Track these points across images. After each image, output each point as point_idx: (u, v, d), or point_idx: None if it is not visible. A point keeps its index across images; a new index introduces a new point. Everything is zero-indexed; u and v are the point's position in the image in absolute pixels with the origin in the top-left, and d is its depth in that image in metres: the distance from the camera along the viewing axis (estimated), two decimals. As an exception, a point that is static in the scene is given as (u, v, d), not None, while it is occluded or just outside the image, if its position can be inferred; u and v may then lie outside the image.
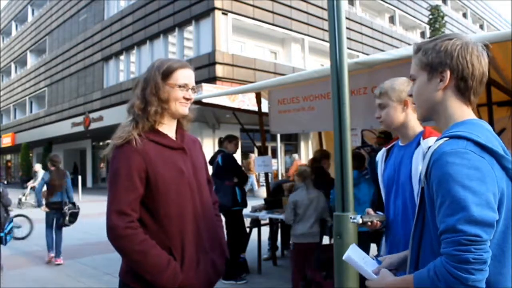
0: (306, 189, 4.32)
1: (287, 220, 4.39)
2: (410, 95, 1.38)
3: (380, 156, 2.12)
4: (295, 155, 16.21)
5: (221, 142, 5.67)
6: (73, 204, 6.52)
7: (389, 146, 2.09)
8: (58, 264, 6.27)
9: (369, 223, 1.86)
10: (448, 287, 1.06)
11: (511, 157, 1.17)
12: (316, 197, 4.30)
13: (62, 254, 6.52)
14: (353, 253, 1.44)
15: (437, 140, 1.23)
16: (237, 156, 5.91)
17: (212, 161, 5.44)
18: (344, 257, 1.43)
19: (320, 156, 4.75)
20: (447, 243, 1.08)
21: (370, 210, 1.95)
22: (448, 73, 1.23)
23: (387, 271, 1.34)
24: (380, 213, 1.96)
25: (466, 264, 1.04)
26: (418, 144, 1.85)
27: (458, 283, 1.04)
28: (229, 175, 5.26)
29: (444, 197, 1.10)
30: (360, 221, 1.84)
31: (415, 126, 1.94)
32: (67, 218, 6.35)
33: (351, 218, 1.88)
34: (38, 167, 14.33)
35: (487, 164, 1.12)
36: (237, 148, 5.56)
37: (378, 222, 1.88)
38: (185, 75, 1.72)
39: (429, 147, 1.29)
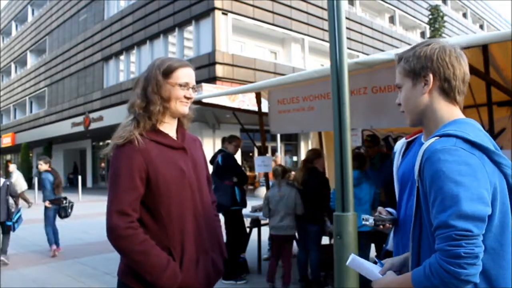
0: (277, 186, 4.69)
1: (263, 214, 4.86)
2: (399, 104, 1.42)
3: (399, 147, 2.03)
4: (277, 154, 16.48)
5: (223, 141, 5.67)
6: (65, 198, 7.16)
7: (411, 138, 2.01)
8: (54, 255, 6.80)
9: (381, 226, 1.83)
10: (442, 282, 1.08)
11: (510, 161, 1.20)
12: (287, 193, 4.58)
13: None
14: (356, 257, 1.45)
15: (428, 139, 1.26)
16: (237, 156, 5.91)
17: (212, 161, 5.45)
18: (347, 263, 1.44)
19: (313, 157, 4.74)
20: (440, 238, 1.10)
21: (382, 209, 1.90)
22: (431, 76, 1.28)
23: (391, 271, 1.36)
24: (391, 210, 1.90)
25: (458, 258, 1.06)
26: None
27: (451, 277, 1.07)
28: (229, 174, 5.27)
29: (437, 194, 1.13)
30: (373, 223, 1.82)
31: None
32: (69, 211, 7.11)
33: (363, 219, 1.85)
34: (12, 167, 14.36)
35: (478, 160, 1.15)
36: (238, 149, 5.59)
37: (390, 225, 1.84)
38: (186, 74, 1.72)
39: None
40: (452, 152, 1.14)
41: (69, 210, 7.11)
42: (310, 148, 7.12)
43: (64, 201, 7.05)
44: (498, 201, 1.16)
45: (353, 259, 1.44)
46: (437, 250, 1.11)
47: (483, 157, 1.16)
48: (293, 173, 5.42)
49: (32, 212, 12.69)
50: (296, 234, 4.90)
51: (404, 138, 2.05)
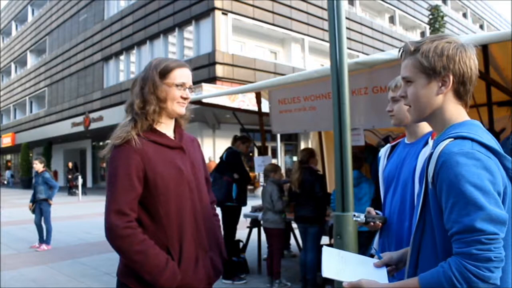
0: (265, 185, 5.09)
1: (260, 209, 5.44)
2: (403, 96, 1.34)
3: (383, 152, 2.07)
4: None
5: (235, 140, 5.67)
6: None
7: (394, 143, 2.05)
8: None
9: (372, 223, 1.85)
10: (470, 287, 1.06)
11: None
12: (266, 191, 4.91)
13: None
14: (329, 269, 1.34)
15: (439, 140, 1.23)
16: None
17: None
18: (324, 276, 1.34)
19: (307, 157, 4.74)
20: (465, 242, 1.07)
21: (371, 210, 1.93)
22: (451, 77, 1.23)
23: (375, 281, 1.30)
24: (380, 213, 1.94)
25: (488, 262, 1.05)
26: (426, 143, 1.81)
27: (480, 282, 1.05)
28: (229, 171, 5.28)
29: (457, 198, 1.10)
30: (364, 220, 1.83)
31: (425, 124, 1.85)
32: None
33: (354, 215, 1.86)
34: None
35: (494, 164, 1.13)
36: (248, 150, 5.74)
37: (380, 224, 1.86)
38: (183, 74, 1.72)
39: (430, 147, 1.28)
40: (470, 156, 1.11)
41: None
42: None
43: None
44: (507, 205, 1.15)
45: (328, 277, 1.33)
46: (459, 254, 1.08)
47: (497, 161, 1.15)
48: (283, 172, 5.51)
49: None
50: (298, 234, 4.92)
51: (388, 144, 2.09)
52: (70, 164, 22.17)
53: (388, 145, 2.07)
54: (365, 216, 1.83)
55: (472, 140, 1.15)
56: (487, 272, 1.04)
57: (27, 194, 15.42)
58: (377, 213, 1.92)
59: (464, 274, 1.06)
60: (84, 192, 19.54)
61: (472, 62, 1.23)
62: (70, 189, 20.39)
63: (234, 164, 5.36)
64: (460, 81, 1.23)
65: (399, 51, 1.35)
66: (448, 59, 1.22)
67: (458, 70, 1.22)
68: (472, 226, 1.06)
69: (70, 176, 20.51)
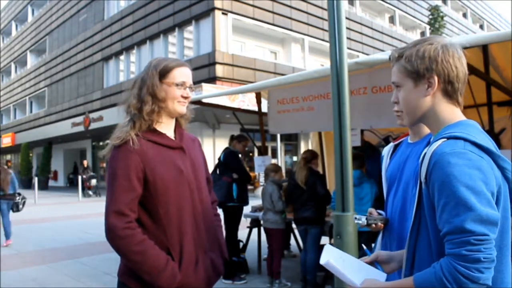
0: (265, 185, 5.09)
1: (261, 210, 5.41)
2: (396, 102, 1.37)
3: (387, 151, 2.06)
4: None
5: (231, 139, 5.67)
6: (19, 194, 7.79)
7: (397, 142, 2.04)
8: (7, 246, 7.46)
9: (374, 225, 1.84)
10: (460, 287, 1.06)
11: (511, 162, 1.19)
12: (267, 191, 4.91)
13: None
14: (331, 257, 1.38)
15: (433, 141, 1.24)
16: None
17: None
18: (322, 262, 1.37)
19: (311, 157, 4.77)
20: (455, 243, 1.08)
21: (373, 211, 1.92)
22: (436, 78, 1.25)
23: (373, 280, 1.32)
24: (382, 212, 1.93)
25: (477, 263, 1.05)
26: (429, 142, 1.82)
27: (470, 282, 1.05)
28: (228, 171, 5.28)
29: (448, 198, 1.10)
30: (365, 222, 1.82)
31: None
32: (21, 206, 7.79)
33: (355, 218, 1.85)
34: None
35: (487, 163, 1.13)
36: (245, 149, 5.71)
37: (382, 225, 1.85)
38: (182, 73, 1.72)
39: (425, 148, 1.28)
40: (462, 156, 1.11)
41: (21, 206, 7.80)
42: (310, 148, 7.12)
43: (18, 197, 7.70)
44: (501, 205, 1.15)
45: (327, 264, 1.36)
46: (450, 255, 1.09)
47: (490, 161, 1.15)
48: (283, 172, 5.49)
49: (31, 212, 12.69)
50: (298, 234, 4.91)
51: (391, 143, 2.08)
52: (86, 163, 20.74)
53: (391, 144, 2.06)
54: (366, 218, 1.82)
55: (465, 140, 1.15)
56: (477, 273, 1.05)
57: (27, 194, 15.43)
58: (379, 214, 1.91)
59: (454, 275, 1.06)
60: (98, 194, 19.13)
61: (456, 61, 1.25)
62: (83, 190, 18.94)
63: (232, 164, 5.36)
64: (446, 80, 1.25)
65: (389, 59, 1.39)
66: (430, 61, 1.24)
67: (442, 70, 1.24)
68: (462, 227, 1.07)
69: (84, 176, 19.11)
